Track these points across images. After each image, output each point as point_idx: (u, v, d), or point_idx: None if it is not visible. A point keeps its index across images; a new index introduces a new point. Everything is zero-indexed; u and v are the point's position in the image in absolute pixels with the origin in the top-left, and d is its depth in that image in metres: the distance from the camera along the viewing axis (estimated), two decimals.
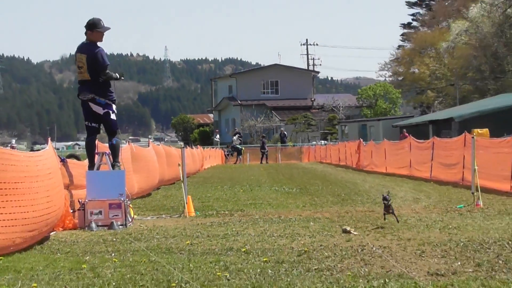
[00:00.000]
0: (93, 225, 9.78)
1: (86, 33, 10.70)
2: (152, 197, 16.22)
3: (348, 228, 8.00)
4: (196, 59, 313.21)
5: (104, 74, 10.50)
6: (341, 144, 41.08)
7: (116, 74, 10.79)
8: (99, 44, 10.69)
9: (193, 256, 7.08)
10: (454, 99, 68.27)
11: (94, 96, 10.59)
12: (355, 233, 7.77)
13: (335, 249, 7.29)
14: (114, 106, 10.82)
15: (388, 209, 8.93)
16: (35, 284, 5.67)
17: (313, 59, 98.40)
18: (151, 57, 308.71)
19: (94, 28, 10.61)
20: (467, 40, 68.43)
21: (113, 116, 10.78)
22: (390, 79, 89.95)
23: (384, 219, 8.53)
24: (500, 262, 6.31)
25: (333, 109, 75.72)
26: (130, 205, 10.79)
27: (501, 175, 15.36)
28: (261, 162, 46.43)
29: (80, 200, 10.19)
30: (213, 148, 53.33)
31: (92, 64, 10.48)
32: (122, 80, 11.13)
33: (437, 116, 55.14)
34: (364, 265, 6.36)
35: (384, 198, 8.85)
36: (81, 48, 10.66)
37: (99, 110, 10.65)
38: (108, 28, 10.73)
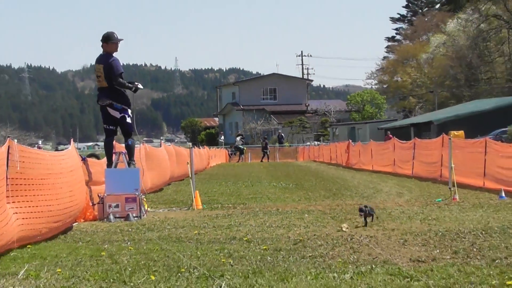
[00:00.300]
0: (111, 217, 9.78)
1: (102, 46, 10.75)
2: (164, 192, 16.21)
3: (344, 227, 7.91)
4: (203, 68, 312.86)
5: (116, 80, 10.51)
6: (332, 145, 41.05)
7: (130, 83, 10.76)
8: (114, 54, 10.73)
9: (200, 245, 7.07)
10: (433, 105, 68.21)
11: (111, 102, 10.61)
12: (345, 230, 7.68)
13: (327, 238, 7.29)
14: (129, 111, 10.80)
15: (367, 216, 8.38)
16: (59, 270, 5.66)
17: (307, 68, 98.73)
18: (163, 67, 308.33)
19: (109, 40, 10.68)
20: (445, 52, 68.42)
21: (128, 120, 10.78)
22: (376, 86, 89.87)
23: (365, 224, 8.18)
24: (475, 250, 6.31)
25: (325, 114, 75.69)
26: (144, 199, 10.79)
27: (475, 172, 15.36)
28: (261, 161, 46.38)
29: (100, 195, 10.20)
30: (218, 148, 53.28)
31: (108, 72, 10.52)
32: (137, 88, 11.07)
33: (418, 119, 55.10)
34: (353, 252, 6.35)
35: (360, 209, 8.39)
36: (99, 59, 10.72)
37: (116, 114, 10.67)
38: (120, 39, 10.78)
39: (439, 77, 69.23)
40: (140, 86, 10.96)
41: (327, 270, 5.42)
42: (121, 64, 10.78)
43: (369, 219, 8.34)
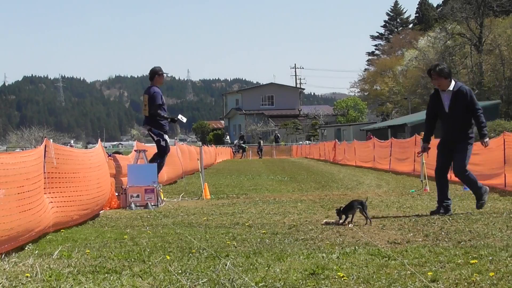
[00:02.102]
0: (133, 205, 9.76)
1: (149, 78, 10.79)
2: (178, 184, 16.19)
3: (330, 221, 7.42)
4: (211, 79, 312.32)
5: (152, 110, 10.57)
6: (321, 144, 41.02)
7: (169, 116, 10.83)
8: (158, 87, 10.73)
9: (209, 229, 7.05)
10: (407, 109, 68.21)
11: (150, 128, 10.74)
12: (332, 221, 7.31)
13: (317, 224, 7.26)
14: (165, 136, 10.80)
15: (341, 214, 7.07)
16: (88, 251, 5.64)
17: (300, 79, 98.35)
18: (177, 78, 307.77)
19: (155, 74, 10.67)
20: (417, 65, 68.42)
21: (163, 143, 10.80)
22: (359, 94, 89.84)
23: (340, 219, 7.03)
24: (443, 233, 6.28)
25: (315, 117, 75.63)
26: (161, 190, 10.77)
27: None
28: (260, 157, 46.35)
29: (123, 186, 10.19)
30: (223, 146, 53.25)
31: (150, 102, 10.56)
32: (174, 120, 11.04)
33: (394, 122, 55.07)
34: (339, 236, 6.33)
35: (338, 211, 7.08)
36: (146, 90, 10.81)
37: (154, 138, 10.77)
38: (165, 73, 10.83)
39: (412, 86, 69.24)
40: (181, 118, 10.91)
41: (317, 251, 5.40)
42: (161, 96, 10.67)
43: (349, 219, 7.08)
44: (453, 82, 8.00)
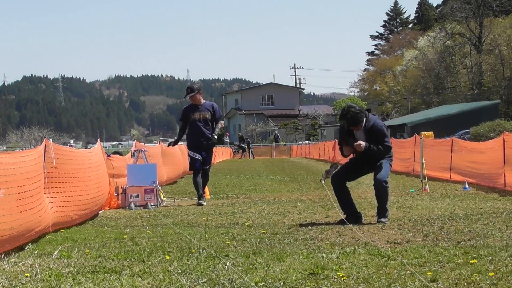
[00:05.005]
0: (132, 205, 9.76)
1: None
2: (177, 184, 16.19)
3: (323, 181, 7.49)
4: (211, 78, 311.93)
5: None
6: (321, 144, 41.01)
7: (180, 135, 10.69)
8: (192, 104, 10.45)
9: (208, 229, 7.05)
10: (406, 109, 68.19)
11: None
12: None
13: (317, 224, 7.26)
14: (191, 151, 10.35)
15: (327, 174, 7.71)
16: (88, 250, 5.64)
17: (300, 78, 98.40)
18: (176, 77, 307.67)
19: (191, 92, 10.38)
20: (416, 65, 68.39)
21: (188, 159, 10.64)
22: (358, 94, 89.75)
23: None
24: (442, 233, 6.29)
25: (314, 117, 75.61)
26: (160, 190, 10.77)
27: (442, 167, 15.34)
28: (253, 157, 46.23)
29: (122, 186, 10.18)
30: (223, 146, 53.23)
31: None
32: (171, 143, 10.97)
33: (393, 122, 55.03)
34: (338, 235, 6.33)
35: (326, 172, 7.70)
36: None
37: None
38: (197, 90, 10.41)
39: (412, 86, 69.21)
40: (192, 154, 10.28)
41: (317, 250, 5.40)
42: (183, 112, 10.54)
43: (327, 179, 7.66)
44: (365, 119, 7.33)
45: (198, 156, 10.21)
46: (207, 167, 10.47)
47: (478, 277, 4.17)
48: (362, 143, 7.29)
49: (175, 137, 11.17)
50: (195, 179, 10.33)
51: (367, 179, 15.81)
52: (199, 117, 10.25)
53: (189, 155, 10.41)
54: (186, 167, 19.32)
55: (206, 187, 11.70)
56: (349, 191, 7.57)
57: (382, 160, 7.47)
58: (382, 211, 7.30)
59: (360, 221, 7.22)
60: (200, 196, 10.16)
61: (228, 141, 66.45)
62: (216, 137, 10.43)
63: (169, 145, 11.46)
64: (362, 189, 12.92)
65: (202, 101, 10.46)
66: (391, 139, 22.02)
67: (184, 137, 10.95)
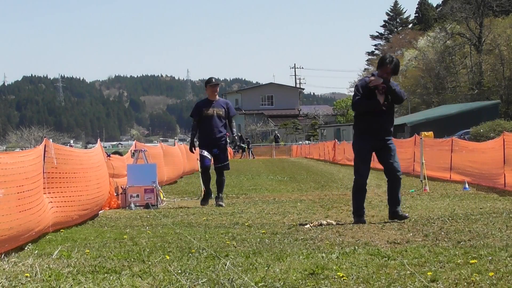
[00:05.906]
0: (132, 205, 9.77)
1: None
2: (177, 184, 16.19)
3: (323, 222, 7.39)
4: None
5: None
6: (321, 144, 41.02)
7: (193, 134, 10.17)
8: (208, 97, 10.12)
9: (208, 229, 7.05)
10: (406, 109, 68.21)
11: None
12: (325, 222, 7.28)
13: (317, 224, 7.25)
14: (202, 150, 10.03)
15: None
16: (88, 250, 5.64)
17: (300, 78, 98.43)
18: (176, 78, 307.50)
19: (207, 84, 10.13)
20: (416, 65, 68.43)
21: (197, 157, 10.36)
22: None
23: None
24: (442, 233, 6.29)
25: (314, 117, 75.64)
26: (160, 190, 10.77)
27: (442, 167, 15.34)
28: (253, 157, 46.26)
29: (122, 186, 10.18)
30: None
31: None
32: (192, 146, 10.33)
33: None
34: (338, 235, 6.33)
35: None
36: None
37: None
38: (215, 84, 10.09)
39: (412, 86, 69.22)
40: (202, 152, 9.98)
41: (317, 250, 5.40)
42: (195, 107, 10.17)
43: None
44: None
45: (207, 154, 9.94)
46: (220, 165, 10.03)
47: (478, 277, 4.17)
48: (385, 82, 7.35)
49: (188, 140, 11.04)
50: (203, 177, 10.14)
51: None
52: (212, 112, 9.89)
53: (200, 154, 10.03)
54: (186, 167, 19.35)
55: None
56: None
57: (391, 145, 7.90)
58: (397, 201, 7.52)
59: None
60: (218, 198, 9.87)
61: (229, 141, 66.44)
62: (237, 136, 10.26)
63: (191, 150, 10.46)
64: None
65: (217, 97, 10.21)
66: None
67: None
